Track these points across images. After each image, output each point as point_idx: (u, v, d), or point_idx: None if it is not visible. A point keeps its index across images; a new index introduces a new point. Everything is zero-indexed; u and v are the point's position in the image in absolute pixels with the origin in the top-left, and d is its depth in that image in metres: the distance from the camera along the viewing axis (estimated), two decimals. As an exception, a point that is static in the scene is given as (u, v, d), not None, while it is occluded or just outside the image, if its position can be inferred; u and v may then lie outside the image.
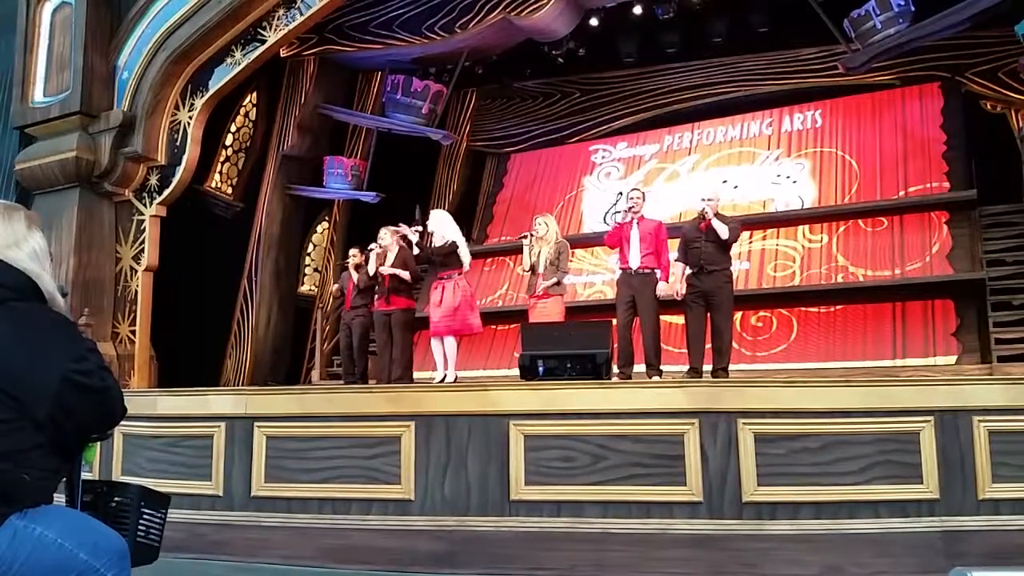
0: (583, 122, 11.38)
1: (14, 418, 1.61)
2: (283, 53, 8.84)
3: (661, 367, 6.11)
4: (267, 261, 9.61)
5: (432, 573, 4.45)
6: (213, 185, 9.24)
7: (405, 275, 6.72)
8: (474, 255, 7.70)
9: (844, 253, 8.83)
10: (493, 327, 9.25)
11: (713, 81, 10.65)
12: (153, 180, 7.55)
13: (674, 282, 6.10)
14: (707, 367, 5.96)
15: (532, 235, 6.52)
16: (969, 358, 7.54)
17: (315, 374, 9.43)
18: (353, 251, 7.50)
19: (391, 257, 6.79)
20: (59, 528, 1.64)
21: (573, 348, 5.34)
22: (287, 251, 9.97)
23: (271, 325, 9.63)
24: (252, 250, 9.56)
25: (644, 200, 6.41)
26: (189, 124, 7.50)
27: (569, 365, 5.27)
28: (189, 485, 5.07)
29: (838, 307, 8.51)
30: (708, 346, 6.00)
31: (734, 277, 6.37)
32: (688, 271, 6.09)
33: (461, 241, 6.47)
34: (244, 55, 7.41)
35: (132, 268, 7.48)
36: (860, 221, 9.00)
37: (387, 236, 6.86)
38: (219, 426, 5.11)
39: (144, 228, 7.50)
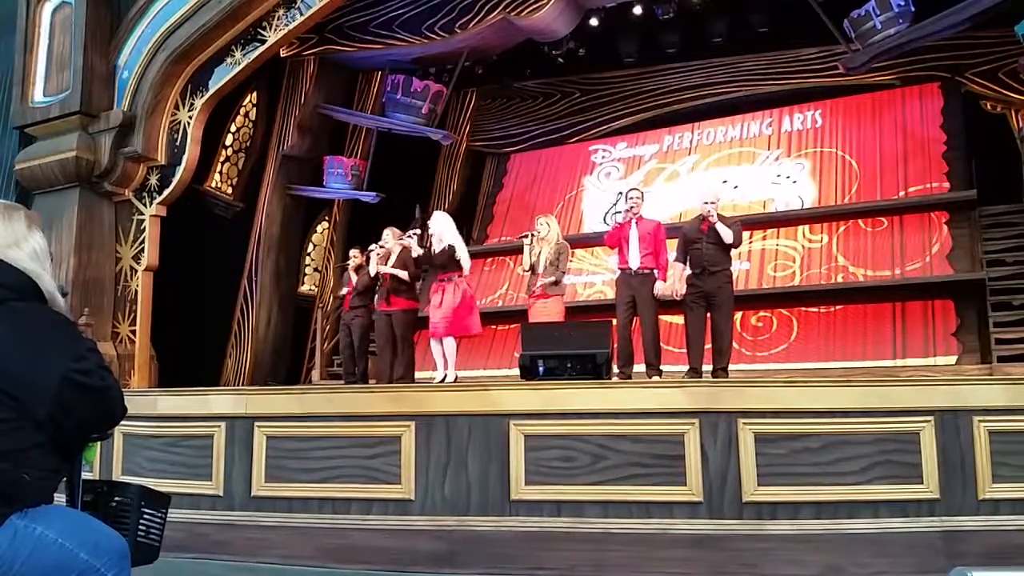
0: (583, 122, 11.38)
1: (14, 417, 1.61)
2: (283, 53, 8.84)
3: (661, 367, 6.12)
4: (267, 261, 9.61)
5: (432, 573, 4.45)
6: (213, 185, 9.24)
7: (403, 275, 6.73)
8: (474, 255, 7.71)
9: (844, 253, 8.83)
10: (493, 327, 9.26)
11: (713, 81, 10.65)
12: (153, 180, 7.55)
13: (672, 281, 6.08)
14: (707, 367, 5.96)
15: (533, 235, 6.52)
16: (969, 358, 7.55)
17: (315, 374, 9.43)
18: (353, 252, 7.50)
19: (392, 258, 6.83)
20: (60, 528, 1.64)
21: (573, 348, 5.34)
22: (287, 251, 9.97)
23: (271, 325, 9.63)
24: (252, 250, 9.56)
25: (643, 200, 6.41)
26: (189, 124, 7.50)
27: (569, 365, 5.27)
28: (189, 485, 5.07)
29: (838, 307, 8.51)
30: (708, 346, 6.00)
31: (734, 277, 6.37)
32: (688, 271, 6.08)
33: (460, 245, 6.48)
34: (244, 55, 7.41)
35: (132, 268, 7.48)
36: (860, 221, 9.00)
37: (390, 238, 6.89)
38: (219, 426, 5.12)
39: (144, 228, 7.50)
